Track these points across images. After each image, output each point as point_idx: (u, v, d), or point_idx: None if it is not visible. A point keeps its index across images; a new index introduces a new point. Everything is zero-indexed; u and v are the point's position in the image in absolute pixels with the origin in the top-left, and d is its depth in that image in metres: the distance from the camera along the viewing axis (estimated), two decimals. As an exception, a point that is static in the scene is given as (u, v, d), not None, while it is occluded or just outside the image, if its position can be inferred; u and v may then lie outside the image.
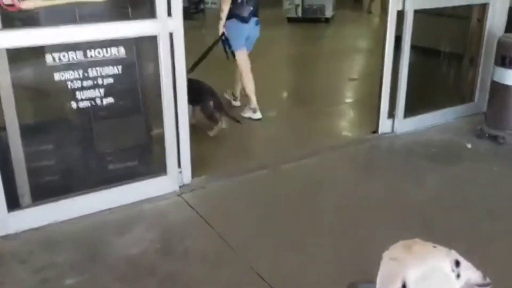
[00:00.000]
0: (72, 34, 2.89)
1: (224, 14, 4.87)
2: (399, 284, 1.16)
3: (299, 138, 4.62)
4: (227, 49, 5.09)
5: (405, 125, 4.49)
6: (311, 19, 11.23)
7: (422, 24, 4.45)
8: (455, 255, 1.22)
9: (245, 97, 5.25)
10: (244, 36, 5.03)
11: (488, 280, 1.24)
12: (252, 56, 5.16)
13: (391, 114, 4.45)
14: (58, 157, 3.20)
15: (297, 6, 11.34)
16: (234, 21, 4.92)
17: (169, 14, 3.08)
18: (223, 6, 4.90)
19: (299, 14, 11.40)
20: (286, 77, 7.56)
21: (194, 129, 3.98)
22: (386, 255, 1.22)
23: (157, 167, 3.41)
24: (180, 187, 3.44)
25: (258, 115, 5.12)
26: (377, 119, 4.45)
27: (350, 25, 11.99)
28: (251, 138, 4.95)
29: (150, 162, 3.58)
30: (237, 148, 4.54)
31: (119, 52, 3.06)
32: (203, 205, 3.29)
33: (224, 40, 5.04)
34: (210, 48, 5.09)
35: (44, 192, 3.08)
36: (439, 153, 4.18)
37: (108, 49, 3.02)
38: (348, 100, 6.16)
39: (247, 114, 5.16)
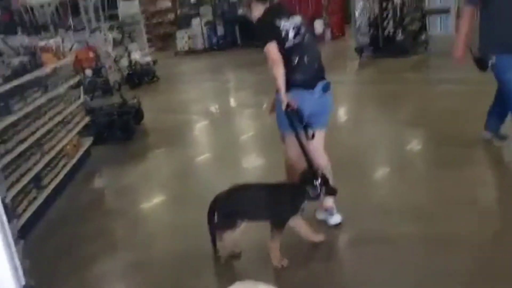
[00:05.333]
0: None
1: (280, 80, 3.50)
2: None
3: None
4: (304, 127, 3.55)
5: None
6: None
7: None
8: None
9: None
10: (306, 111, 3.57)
11: None
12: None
13: None
14: None
15: None
16: (296, 90, 3.59)
17: None
18: (275, 70, 3.52)
19: None
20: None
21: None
22: None
23: None
24: None
25: (336, 218, 3.87)
26: None
27: None
28: None
29: None
30: None
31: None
32: None
33: (291, 114, 3.55)
34: None
35: None
36: None
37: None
38: None
39: (321, 215, 3.96)
